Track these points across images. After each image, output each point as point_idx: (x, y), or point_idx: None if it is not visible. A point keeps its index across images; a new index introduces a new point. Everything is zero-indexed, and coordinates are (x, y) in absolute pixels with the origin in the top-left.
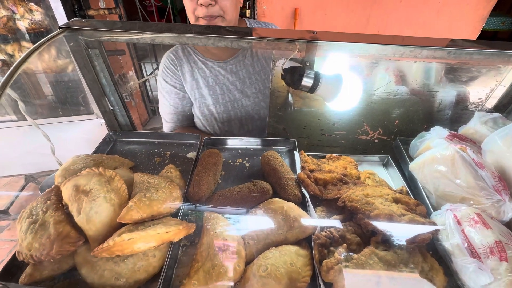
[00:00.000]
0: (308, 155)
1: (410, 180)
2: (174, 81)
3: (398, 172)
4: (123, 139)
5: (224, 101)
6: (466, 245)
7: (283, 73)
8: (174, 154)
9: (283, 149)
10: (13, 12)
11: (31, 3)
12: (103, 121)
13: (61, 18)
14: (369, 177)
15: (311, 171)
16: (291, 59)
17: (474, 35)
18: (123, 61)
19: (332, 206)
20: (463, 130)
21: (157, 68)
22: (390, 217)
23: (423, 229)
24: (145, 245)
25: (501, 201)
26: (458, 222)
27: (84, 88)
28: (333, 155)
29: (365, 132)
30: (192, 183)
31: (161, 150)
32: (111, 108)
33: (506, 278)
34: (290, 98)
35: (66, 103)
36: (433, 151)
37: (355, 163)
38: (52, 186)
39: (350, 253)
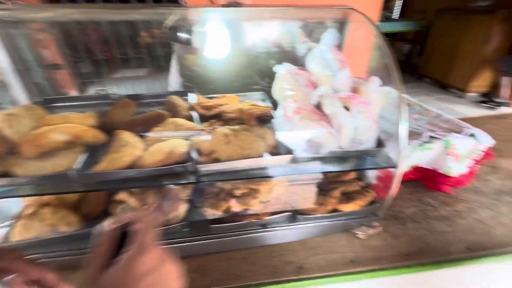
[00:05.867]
0: (203, 96)
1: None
2: None
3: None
4: (47, 105)
5: None
6: (282, 112)
7: (164, 30)
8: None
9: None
10: None
11: None
12: None
13: None
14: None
15: (202, 103)
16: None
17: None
18: (63, 80)
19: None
20: None
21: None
22: (240, 109)
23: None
24: (59, 136)
25: (310, 91)
26: (284, 107)
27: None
28: (222, 95)
29: (257, 83)
30: (107, 115)
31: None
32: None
33: (297, 121)
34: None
35: None
36: (278, 75)
37: (238, 98)
38: None
39: None
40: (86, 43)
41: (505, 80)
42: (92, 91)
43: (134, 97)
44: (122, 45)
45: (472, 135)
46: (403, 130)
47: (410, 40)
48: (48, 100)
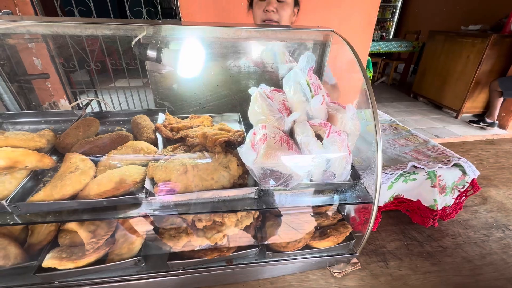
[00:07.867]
0: (174, 116)
1: (249, 126)
2: None
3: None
4: (9, 120)
5: None
6: (249, 140)
7: (132, 47)
8: (59, 128)
9: (157, 116)
10: None
11: None
12: None
13: None
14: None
15: (170, 124)
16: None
17: (365, 52)
18: (52, 88)
19: (179, 143)
20: None
21: (93, 99)
22: (204, 134)
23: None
24: None
25: (282, 117)
26: (253, 133)
27: None
28: (195, 115)
29: (235, 103)
30: (61, 135)
31: (46, 127)
32: None
33: (263, 151)
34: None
35: None
36: (252, 97)
37: (211, 119)
38: None
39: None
40: (80, 53)
41: (500, 101)
42: (84, 100)
43: (103, 115)
44: (118, 56)
45: (457, 165)
46: (378, 164)
47: (405, 60)
48: (11, 115)
